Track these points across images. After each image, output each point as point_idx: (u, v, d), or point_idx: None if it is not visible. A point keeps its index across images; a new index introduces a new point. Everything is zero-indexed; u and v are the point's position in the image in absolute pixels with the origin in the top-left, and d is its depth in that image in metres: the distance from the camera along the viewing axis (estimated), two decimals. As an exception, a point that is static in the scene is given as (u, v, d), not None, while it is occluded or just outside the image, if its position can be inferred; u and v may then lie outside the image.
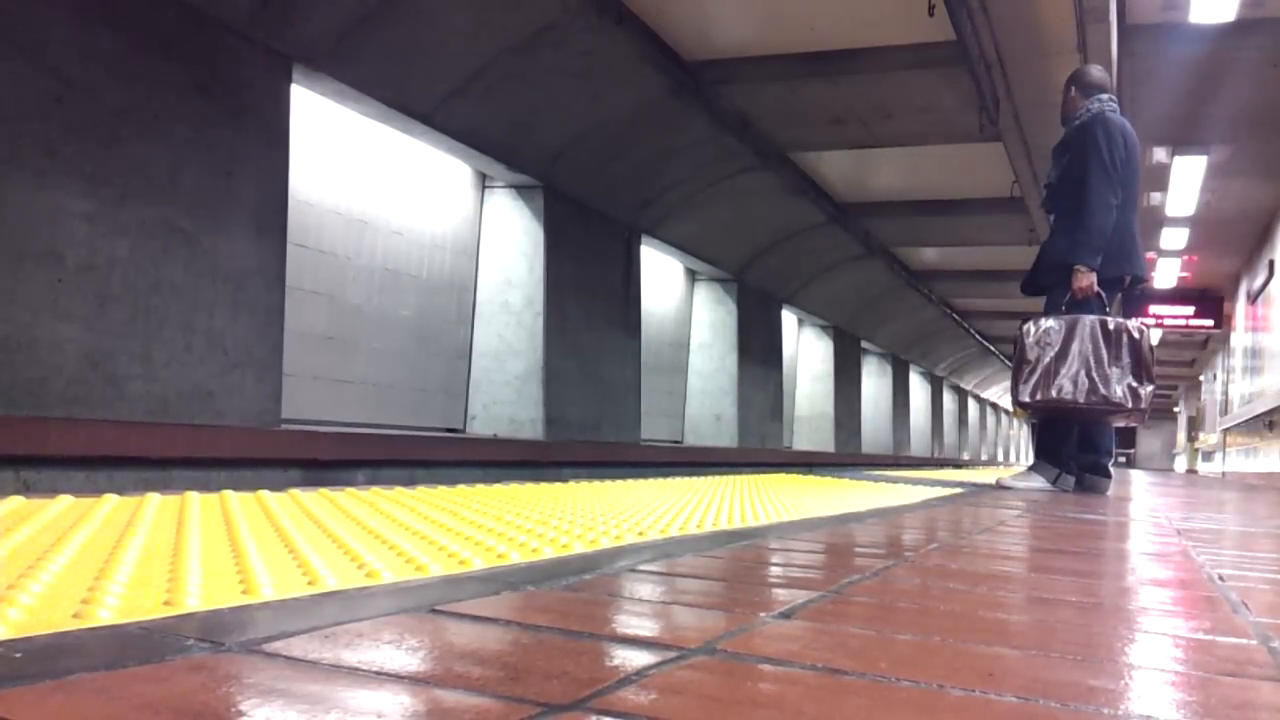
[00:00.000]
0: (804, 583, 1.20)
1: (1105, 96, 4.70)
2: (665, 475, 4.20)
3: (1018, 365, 4.56)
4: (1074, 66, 5.98)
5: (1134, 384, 4.39)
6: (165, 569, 0.99)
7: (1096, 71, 4.91)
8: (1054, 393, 4.41)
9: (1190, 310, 17.41)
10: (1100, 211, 4.44)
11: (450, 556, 1.19)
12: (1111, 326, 4.42)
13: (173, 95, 5.26)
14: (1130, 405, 4.39)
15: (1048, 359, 4.42)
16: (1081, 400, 4.38)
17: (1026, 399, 4.49)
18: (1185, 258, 15.19)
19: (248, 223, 5.71)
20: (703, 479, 3.56)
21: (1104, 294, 4.52)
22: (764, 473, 5.78)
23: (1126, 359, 4.40)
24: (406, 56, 6.63)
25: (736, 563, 1.35)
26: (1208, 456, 22.97)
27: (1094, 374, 4.36)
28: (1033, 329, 4.52)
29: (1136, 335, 4.43)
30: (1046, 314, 4.59)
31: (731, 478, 3.82)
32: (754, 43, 8.17)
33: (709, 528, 1.77)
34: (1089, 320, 4.44)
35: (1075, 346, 4.41)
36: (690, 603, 1.01)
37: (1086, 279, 4.46)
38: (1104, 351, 4.39)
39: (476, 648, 0.76)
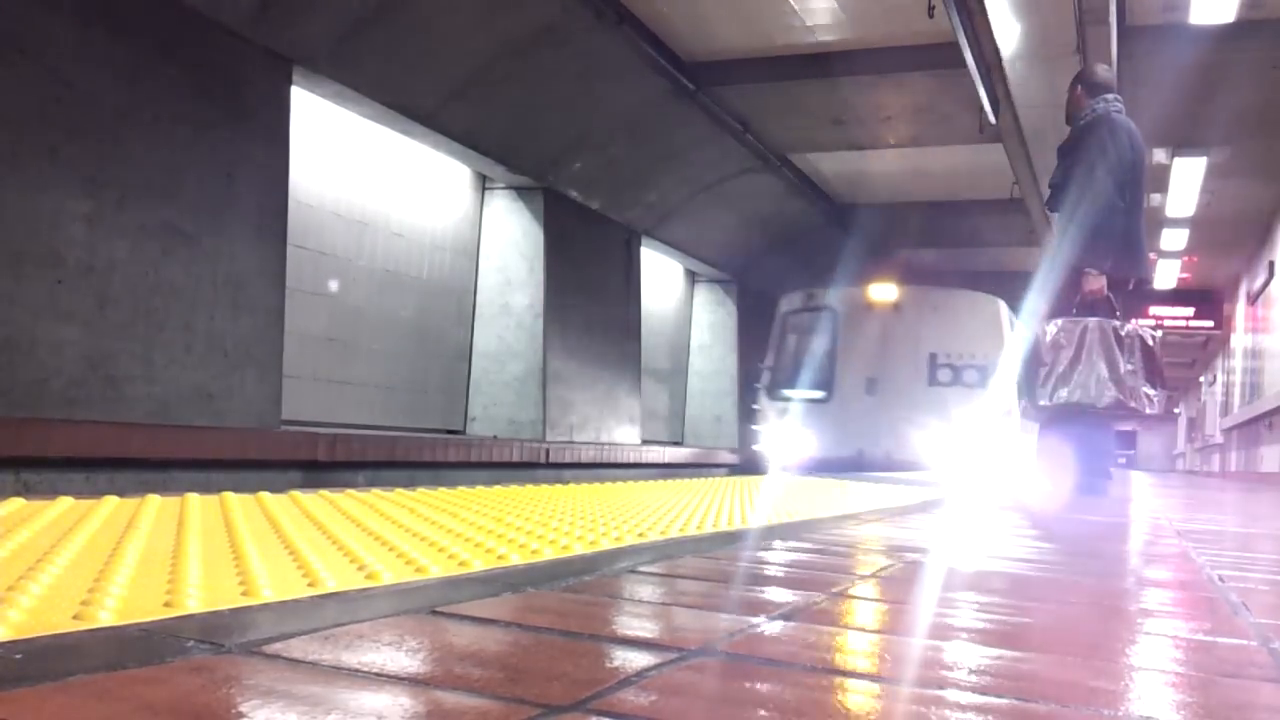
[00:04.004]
0: (803, 584, 1.20)
1: (1111, 97, 4.67)
2: (666, 477, 4.19)
3: (1033, 368, 4.54)
4: (1073, 68, 5.98)
5: (1148, 389, 4.39)
6: (165, 571, 0.99)
7: (1103, 71, 4.88)
8: (1072, 395, 4.38)
9: (1190, 311, 17.41)
10: (1107, 214, 4.43)
11: (450, 558, 1.19)
12: (1124, 331, 4.41)
13: (173, 97, 5.26)
14: (1146, 409, 4.37)
15: (1064, 362, 4.41)
16: (1100, 404, 4.36)
17: (1046, 401, 4.47)
18: (1185, 259, 15.18)
19: (248, 224, 5.72)
20: (702, 480, 3.56)
21: (1113, 296, 4.51)
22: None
23: (1140, 363, 4.39)
24: (406, 59, 6.63)
25: (736, 564, 1.35)
26: (1207, 457, 22.97)
27: (1110, 377, 4.35)
28: (1048, 331, 4.50)
29: (1150, 341, 4.43)
30: (1057, 316, 4.56)
31: (731, 479, 3.82)
32: (754, 44, 8.18)
33: (709, 529, 1.77)
34: (1103, 324, 4.42)
35: (1090, 350, 4.39)
36: (690, 604, 1.01)
37: (1097, 282, 4.44)
38: (1118, 355, 4.38)
39: (477, 649, 0.76)
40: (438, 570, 1.10)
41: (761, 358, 10.71)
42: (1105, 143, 4.50)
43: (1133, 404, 4.37)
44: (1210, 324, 17.48)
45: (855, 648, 0.86)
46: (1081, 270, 4.51)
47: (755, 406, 11.05)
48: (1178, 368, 26.40)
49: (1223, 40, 7.67)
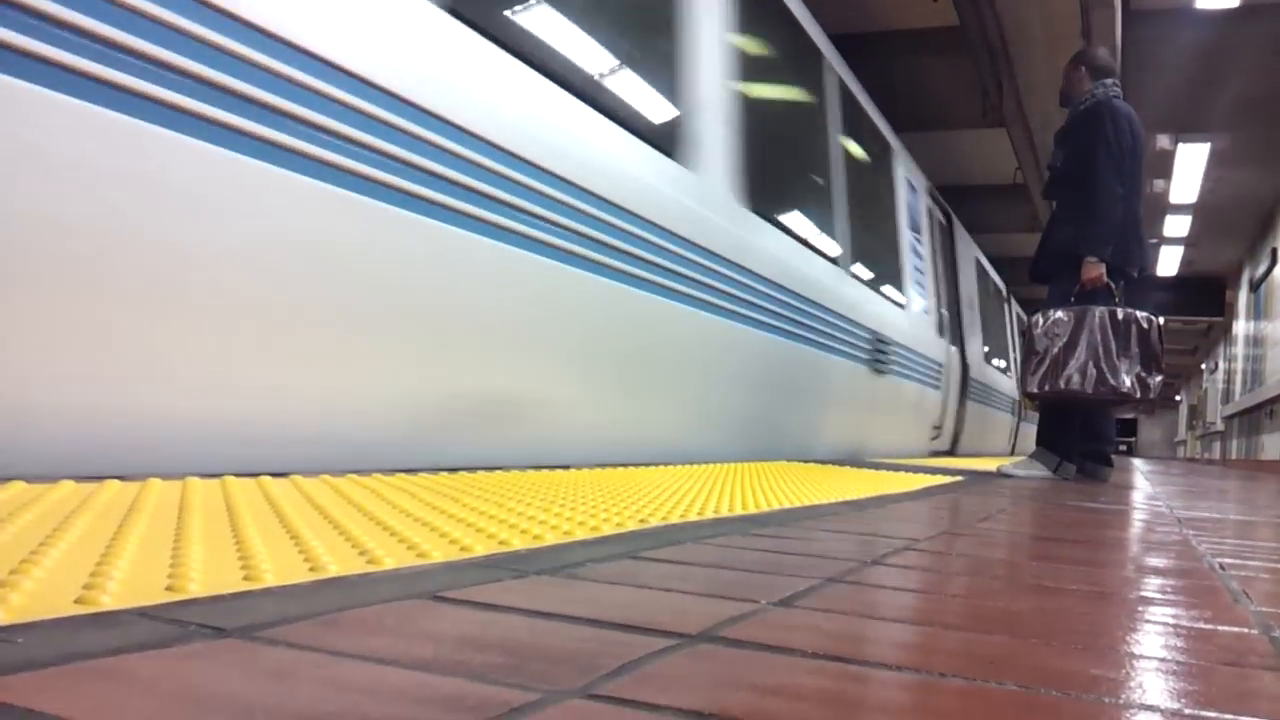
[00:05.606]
0: (806, 570, 1.21)
1: (1110, 81, 4.67)
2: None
3: (1026, 356, 4.57)
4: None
5: (1143, 374, 4.40)
6: (167, 554, 0.99)
7: (1105, 54, 4.88)
8: (1061, 383, 4.41)
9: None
10: (1109, 201, 4.42)
11: (452, 543, 1.19)
12: (1120, 317, 4.42)
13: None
14: (1139, 395, 4.39)
15: (1056, 350, 4.43)
16: (1089, 391, 4.38)
17: (1035, 389, 4.50)
18: (1188, 245, 15.15)
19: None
20: (707, 466, 3.56)
21: (1112, 284, 4.51)
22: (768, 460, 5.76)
23: (1135, 349, 4.40)
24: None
25: (739, 549, 1.36)
26: (1208, 445, 22.98)
27: (1102, 364, 4.36)
28: (1042, 320, 4.51)
29: (1146, 325, 4.43)
30: (1054, 304, 4.57)
31: (736, 465, 3.82)
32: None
33: (710, 514, 1.77)
34: (1098, 311, 4.43)
35: (1084, 337, 4.40)
36: (693, 589, 1.02)
37: (1096, 270, 4.44)
38: (1113, 342, 4.38)
39: (478, 634, 0.76)
40: (439, 555, 1.10)
41: None
42: (1106, 130, 4.50)
43: (1126, 390, 4.39)
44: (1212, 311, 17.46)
45: (857, 634, 0.86)
46: (1079, 257, 4.51)
47: None
48: (1180, 355, 26.39)
49: (1227, 24, 7.64)
